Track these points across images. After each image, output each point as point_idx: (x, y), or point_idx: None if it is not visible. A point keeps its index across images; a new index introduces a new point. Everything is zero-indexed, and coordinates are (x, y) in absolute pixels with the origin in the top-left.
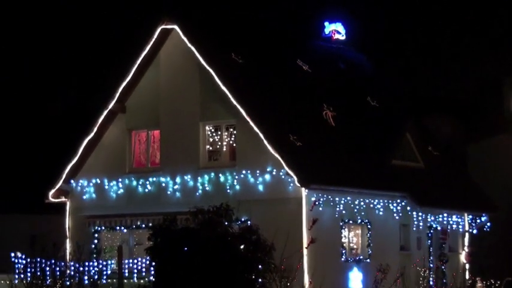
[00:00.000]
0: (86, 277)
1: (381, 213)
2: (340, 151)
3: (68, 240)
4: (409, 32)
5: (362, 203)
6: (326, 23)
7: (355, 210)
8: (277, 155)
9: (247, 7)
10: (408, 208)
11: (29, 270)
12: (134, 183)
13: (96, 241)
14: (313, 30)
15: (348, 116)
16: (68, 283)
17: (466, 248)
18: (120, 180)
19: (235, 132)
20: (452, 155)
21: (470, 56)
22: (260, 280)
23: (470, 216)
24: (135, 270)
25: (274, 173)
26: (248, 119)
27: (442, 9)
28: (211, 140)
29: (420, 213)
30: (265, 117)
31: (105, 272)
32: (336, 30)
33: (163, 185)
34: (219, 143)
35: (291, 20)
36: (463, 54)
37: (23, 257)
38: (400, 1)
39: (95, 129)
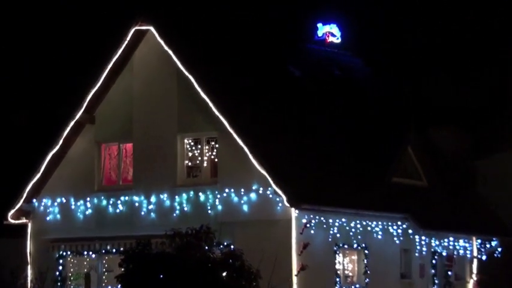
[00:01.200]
0: None
1: (379, 236)
2: (334, 168)
3: (28, 267)
4: (411, 34)
5: (358, 226)
6: (319, 25)
7: (351, 233)
8: (263, 172)
9: (232, 7)
10: (410, 231)
11: None
12: (104, 202)
13: (60, 268)
14: (305, 33)
15: (344, 128)
16: None
17: (474, 276)
18: (88, 199)
19: (217, 145)
20: (459, 171)
21: (480, 61)
22: None
23: (480, 241)
24: None
25: (260, 191)
26: (231, 131)
27: (450, 9)
28: (190, 154)
29: (423, 237)
30: (250, 129)
31: None
32: (330, 32)
33: (137, 204)
34: (199, 158)
35: (280, 22)
36: (472, 59)
37: None
38: (400, 0)
39: (60, 142)
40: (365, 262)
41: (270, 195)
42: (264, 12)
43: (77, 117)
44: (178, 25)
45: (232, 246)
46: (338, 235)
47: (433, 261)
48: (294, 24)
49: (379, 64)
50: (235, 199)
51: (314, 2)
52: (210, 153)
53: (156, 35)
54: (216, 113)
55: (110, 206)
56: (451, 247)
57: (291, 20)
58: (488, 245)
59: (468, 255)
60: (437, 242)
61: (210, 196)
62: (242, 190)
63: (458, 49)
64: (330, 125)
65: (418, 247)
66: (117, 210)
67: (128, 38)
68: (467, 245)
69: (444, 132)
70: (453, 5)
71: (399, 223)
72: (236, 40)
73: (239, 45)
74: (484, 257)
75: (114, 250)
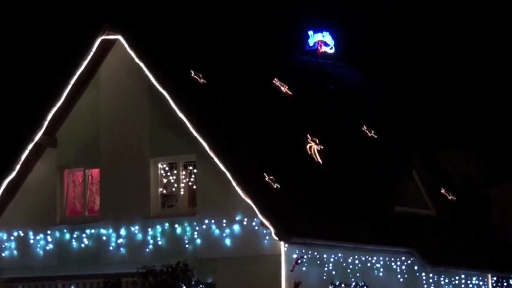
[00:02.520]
0: None
1: (380, 274)
2: (329, 195)
3: None
4: (416, 44)
5: (357, 261)
6: (310, 33)
7: (349, 270)
8: (248, 200)
9: (213, 15)
10: (415, 268)
11: None
12: (67, 236)
13: None
14: (294, 42)
15: (338, 150)
16: None
17: None
18: (49, 232)
19: (195, 171)
20: (471, 199)
21: (494, 80)
22: None
23: (495, 278)
24: None
25: (245, 222)
26: (212, 155)
27: (461, 20)
28: (165, 181)
29: (431, 275)
30: (233, 152)
31: None
32: (322, 41)
33: (104, 238)
34: (175, 185)
35: (266, 30)
36: (484, 72)
37: None
38: (403, 4)
39: (17, 167)
40: None
41: (256, 227)
42: (248, 20)
43: (36, 139)
44: (150, 34)
45: (214, 286)
46: (334, 272)
47: None
48: (281, 33)
49: (378, 77)
50: (217, 232)
51: (304, 8)
52: (187, 179)
53: (126, 45)
54: (194, 133)
55: (74, 241)
56: (462, 286)
57: (279, 27)
58: (505, 284)
59: None
60: (446, 280)
61: (188, 228)
62: (224, 221)
63: (469, 64)
64: (323, 147)
65: (425, 286)
66: (82, 245)
67: (94, 49)
68: (481, 283)
69: (454, 156)
70: (461, 12)
71: (403, 258)
72: (217, 52)
73: (220, 58)
74: None
75: None
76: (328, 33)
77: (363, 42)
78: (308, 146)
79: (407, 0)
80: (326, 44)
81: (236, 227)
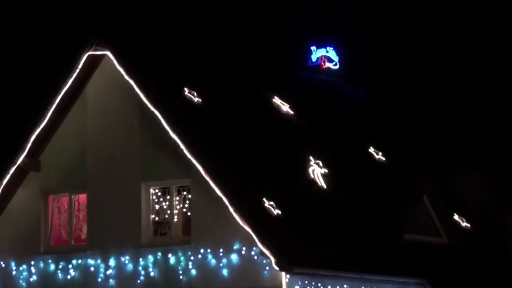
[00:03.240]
0: None
1: None
2: (333, 222)
3: None
4: (427, 58)
5: None
6: (313, 48)
7: None
8: (247, 228)
9: (207, 29)
10: None
11: None
12: (52, 267)
13: None
14: (295, 57)
15: (343, 174)
16: None
17: None
18: (32, 263)
19: (189, 196)
20: (487, 226)
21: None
22: None
23: None
24: None
25: (243, 252)
26: (207, 179)
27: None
28: (157, 207)
29: None
30: (230, 177)
31: None
32: (326, 56)
33: (92, 269)
34: (168, 212)
35: (265, 45)
36: (501, 87)
37: None
38: (412, 17)
39: None
40: None
41: (255, 257)
42: (247, 34)
43: (19, 162)
44: (141, 49)
45: None
46: None
47: None
48: (282, 48)
49: (385, 96)
50: (213, 262)
51: (306, 22)
52: (181, 205)
53: (115, 61)
54: (189, 156)
55: (59, 272)
56: None
57: (279, 42)
58: None
59: None
60: None
61: (182, 258)
62: (221, 250)
63: (485, 78)
64: (327, 170)
65: None
66: (68, 277)
67: (80, 66)
68: None
69: (468, 178)
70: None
71: None
72: (213, 69)
73: (216, 75)
74: None
75: None
76: (332, 48)
77: (368, 58)
78: (311, 169)
79: (414, 18)
80: (330, 60)
81: (234, 257)
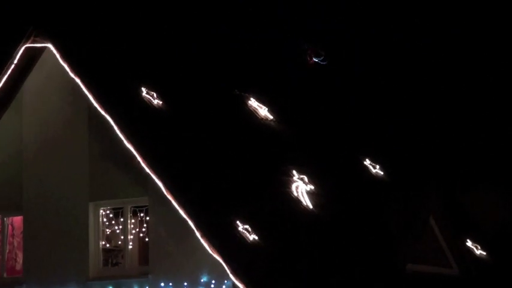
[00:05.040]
0: None
1: None
2: (321, 250)
3: None
4: (429, 52)
5: None
6: (300, 43)
7: None
8: (217, 256)
9: (170, 18)
10: None
11: None
12: None
13: None
14: (278, 51)
15: (333, 192)
16: None
17: None
18: None
19: (147, 218)
20: (505, 254)
21: None
22: None
23: None
24: None
25: (212, 286)
26: (169, 197)
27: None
28: (108, 231)
29: None
30: (197, 195)
31: None
32: (313, 49)
33: None
34: (122, 237)
35: (239, 36)
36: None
37: None
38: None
39: None
40: None
41: None
42: (216, 25)
43: None
44: (90, 41)
45: None
46: None
47: None
48: (258, 38)
49: (383, 96)
50: None
51: (293, 15)
52: (137, 229)
53: (57, 55)
54: (147, 170)
55: None
56: None
57: (258, 33)
58: None
59: None
60: None
61: None
62: (185, 284)
63: (495, 88)
64: (314, 187)
65: None
66: None
67: (15, 61)
68: None
69: (482, 197)
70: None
71: None
72: (176, 65)
73: (180, 73)
74: None
75: None
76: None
77: (360, 52)
78: (294, 186)
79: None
80: (318, 55)
81: None
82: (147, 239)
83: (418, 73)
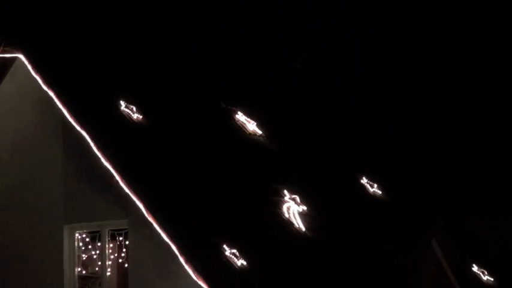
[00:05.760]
0: None
1: None
2: (317, 275)
3: None
4: (429, 52)
5: None
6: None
7: None
8: (202, 284)
9: (150, 26)
10: None
11: None
12: None
13: None
14: (266, 60)
15: (327, 213)
16: None
17: None
18: None
19: (127, 242)
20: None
21: None
22: None
23: None
24: None
25: None
26: (151, 220)
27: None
28: (84, 257)
29: None
30: (180, 217)
31: None
32: (304, 53)
33: None
34: (99, 263)
35: (225, 44)
36: None
37: None
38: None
39: None
40: None
41: None
42: (200, 32)
43: None
44: (64, 51)
45: None
46: None
47: None
48: (246, 46)
49: (381, 109)
50: None
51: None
52: (116, 254)
53: (29, 66)
54: (126, 190)
55: None
56: None
57: (241, 37)
58: None
59: None
60: None
61: None
62: None
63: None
64: (307, 207)
65: None
66: None
67: None
68: None
69: (490, 219)
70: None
71: None
72: (157, 76)
73: (162, 85)
74: None
75: None
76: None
77: (357, 58)
78: (285, 207)
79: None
80: (310, 58)
81: None
82: (126, 265)
83: (418, 74)
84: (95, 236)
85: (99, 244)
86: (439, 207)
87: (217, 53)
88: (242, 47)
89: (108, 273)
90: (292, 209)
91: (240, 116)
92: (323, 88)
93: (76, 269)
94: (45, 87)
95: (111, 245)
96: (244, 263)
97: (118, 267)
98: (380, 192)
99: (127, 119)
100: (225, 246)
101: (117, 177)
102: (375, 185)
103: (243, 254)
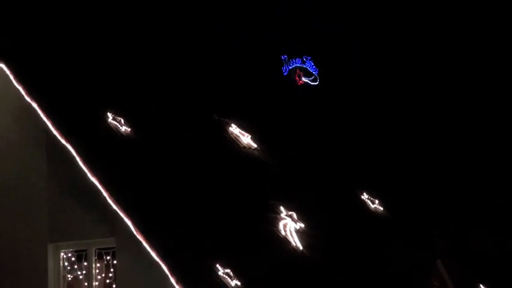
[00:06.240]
0: None
1: None
2: None
3: None
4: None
5: None
6: (284, 58)
7: None
8: None
9: (140, 33)
10: None
11: None
12: None
13: None
14: (261, 69)
15: (326, 230)
16: None
17: None
18: None
19: (115, 262)
20: None
21: None
22: None
23: None
24: None
25: None
26: (140, 238)
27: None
28: (70, 277)
29: None
30: (171, 235)
31: None
32: (301, 69)
33: None
34: (86, 283)
35: (218, 54)
36: None
37: None
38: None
39: None
40: None
41: None
42: (192, 40)
43: None
44: (48, 61)
45: None
46: None
47: None
48: (242, 59)
49: (384, 122)
50: None
51: (274, 25)
52: (103, 274)
53: (11, 76)
54: (114, 206)
55: None
56: None
57: (238, 49)
58: None
59: None
60: None
61: None
62: None
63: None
64: (304, 225)
65: None
66: None
67: None
68: None
69: (495, 238)
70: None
71: None
72: (146, 88)
73: (151, 96)
74: None
75: None
76: (309, 58)
77: (360, 71)
78: (282, 224)
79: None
80: (308, 74)
81: None
82: (114, 286)
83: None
84: (81, 255)
85: (85, 264)
86: (443, 225)
87: (209, 61)
88: (237, 52)
89: None
90: (289, 226)
91: (234, 129)
92: (322, 98)
93: None
94: (28, 99)
95: (98, 265)
96: (239, 283)
97: (106, 286)
98: (381, 209)
99: (114, 131)
100: (218, 265)
101: (104, 193)
102: (376, 201)
103: (237, 274)
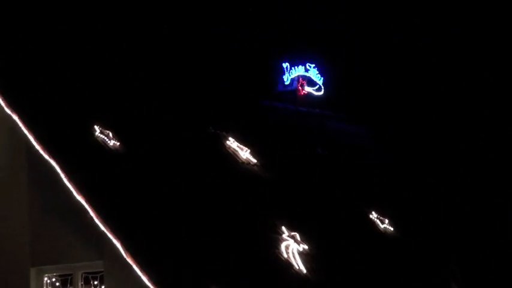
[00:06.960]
0: None
1: None
2: None
3: None
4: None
5: None
6: (285, 65)
7: None
8: None
9: (130, 39)
10: None
11: None
12: None
13: None
14: (261, 80)
15: (332, 252)
16: None
17: None
18: None
19: (103, 287)
20: None
21: None
22: None
23: None
24: None
25: None
26: (129, 261)
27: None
28: None
29: None
30: (165, 258)
31: None
32: (305, 77)
33: None
34: None
35: (215, 63)
36: None
37: None
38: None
39: None
40: None
41: None
42: (185, 48)
43: None
44: (30, 70)
45: None
46: None
47: None
48: (241, 68)
49: (392, 137)
50: None
51: (275, 32)
52: None
53: None
54: (102, 228)
55: None
56: None
57: (233, 58)
58: None
59: None
60: None
61: None
62: None
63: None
64: (308, 246)
65: None
66: None
67: None
68: None
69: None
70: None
71: None
72: (136, 98)
73: (141, 108)
74: None
75: None
76: (313, 65)
77: (369, 80)
78: (284, 246)
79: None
80: (311, 82)
81: None
82: None
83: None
84: (66, 280)
85: None
86: (457, 246)
87: (203, 69)
88: (230, 64)
89: None
90: (292, 247)
91: (232, 143)
92: (326, 108)
93: None
94: (8, 111)
95: None
96: None
97: None
98: (391, 229)
99: (102, 145)
100: None
101: (91, 213)
102: (386, 221)
103: None
